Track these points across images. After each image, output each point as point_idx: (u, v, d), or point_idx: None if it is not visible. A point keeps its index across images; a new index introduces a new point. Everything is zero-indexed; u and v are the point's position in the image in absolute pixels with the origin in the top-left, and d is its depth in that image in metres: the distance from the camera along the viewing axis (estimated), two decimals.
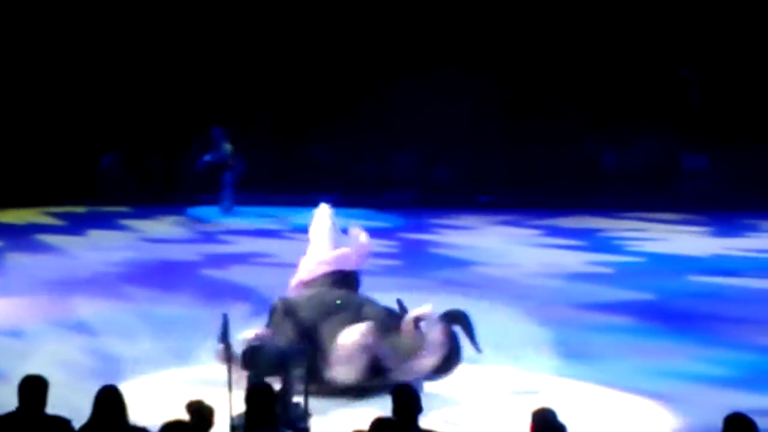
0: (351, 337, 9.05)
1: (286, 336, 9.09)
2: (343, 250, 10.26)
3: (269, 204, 22.17)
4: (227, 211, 20.84)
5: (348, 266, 10.18)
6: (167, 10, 24.65)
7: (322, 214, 10.67)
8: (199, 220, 20.68)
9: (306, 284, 10.13)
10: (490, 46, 24.45)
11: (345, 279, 9.96)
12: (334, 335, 9.12)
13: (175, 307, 12.73)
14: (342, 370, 9.06)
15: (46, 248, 16.91)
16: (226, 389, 7.89)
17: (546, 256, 16.85)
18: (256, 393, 6.51)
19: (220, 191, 21.05)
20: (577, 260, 16.41)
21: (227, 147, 20.88)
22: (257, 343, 8.27)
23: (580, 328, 11.95)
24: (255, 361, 7.87)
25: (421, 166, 24.97)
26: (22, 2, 24.12)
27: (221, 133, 21.03)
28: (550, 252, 17.36)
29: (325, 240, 10.38)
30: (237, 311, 12.19)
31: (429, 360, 9.21)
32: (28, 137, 23.91)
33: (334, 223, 10.56)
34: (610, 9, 24.24)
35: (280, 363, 7.88)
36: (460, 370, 9.68)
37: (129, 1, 24.66)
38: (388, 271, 15.26)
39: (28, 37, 24.04)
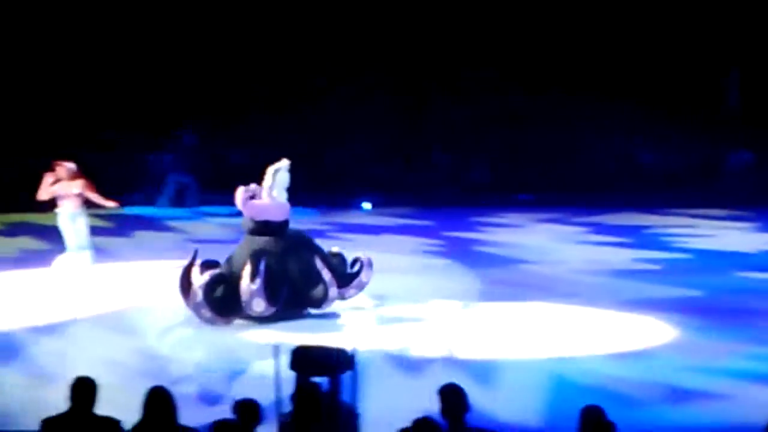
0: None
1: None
2: (264, 203, 12.35)
3: (307, 204, 22.20)
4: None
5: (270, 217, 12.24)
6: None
7: (277, 169, 12.44)
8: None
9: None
10: (530, 44, 24.38)
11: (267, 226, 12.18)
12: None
13: None
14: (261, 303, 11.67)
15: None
16: (270, 388, 7.93)
17: (592, 253, 16.77)
18: (304, 393, 6.52)
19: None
20: (623, 257, 16.32)
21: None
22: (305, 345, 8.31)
23: (627, 325, 11.88)
24: (303, 361, 7.90)
25: (457, 165, 24.96)
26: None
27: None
28: (596, 249, 17.28)
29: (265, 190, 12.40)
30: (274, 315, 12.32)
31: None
32: (79, 135, 24.05)
33: (275, 181, 12.38)
34: (650, 7, 24.12)
35: (329, 364, 7.90)
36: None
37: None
38: (437, 270, 15.26)
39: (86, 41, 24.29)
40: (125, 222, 20.32)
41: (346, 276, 12.44)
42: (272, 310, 11.77)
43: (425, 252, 16.97)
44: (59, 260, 14.30)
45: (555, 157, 23.96)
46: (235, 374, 9.89)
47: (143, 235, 19.21)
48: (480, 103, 24.65)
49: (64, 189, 14.38)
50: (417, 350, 10.69)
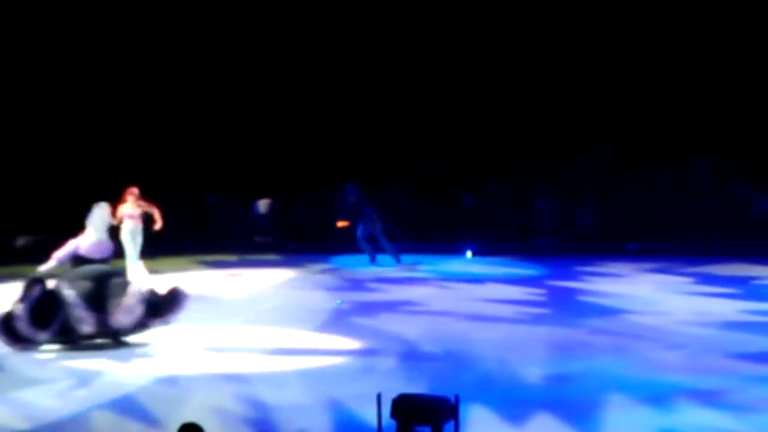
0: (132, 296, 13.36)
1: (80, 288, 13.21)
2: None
3: (416, 252, 22.29)
4: (397, 260, 21.01)
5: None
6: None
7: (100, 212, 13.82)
8: (344, 268, 20.86)
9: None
10: (643, 91, 24.31)
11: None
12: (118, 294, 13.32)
13: (324, 355, 12.86)
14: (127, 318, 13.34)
15: (197, 296, 17.28)
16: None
17: (699, 304, 16.46)
18: None
19: (362, 244, 21.19)
20: (731, 308, 15.98)
21: (355, 200, 21.00)
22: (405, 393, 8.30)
23: (736, 378, 11.62)
24: (405, 410, 7.91)
25: (563, 213, 24.82)
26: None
27: (353, 188, 21.19)
28: (703, 300, 16.95)
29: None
30: (382, 362, 12.36)
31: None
32: (183, 187, 24.67)
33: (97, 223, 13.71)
34: (756, 56, 23.88)
35: (431, 413, 7.89)
36: None
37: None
38: (537, 320, 15.17)
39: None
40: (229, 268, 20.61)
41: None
42: (40, 335, 13.07)
43: (526, 302, 16.86)
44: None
45: (665, 204, 23.69)
46: (337, 422, 9.90)
47: (246, 281, 19.38)
48: (587, 147, 24.59)
49: (128, 210, 18.23)
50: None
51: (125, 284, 13.67)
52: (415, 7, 25.54)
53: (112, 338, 13.44)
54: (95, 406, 10.58)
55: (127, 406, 10.54)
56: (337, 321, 15.00)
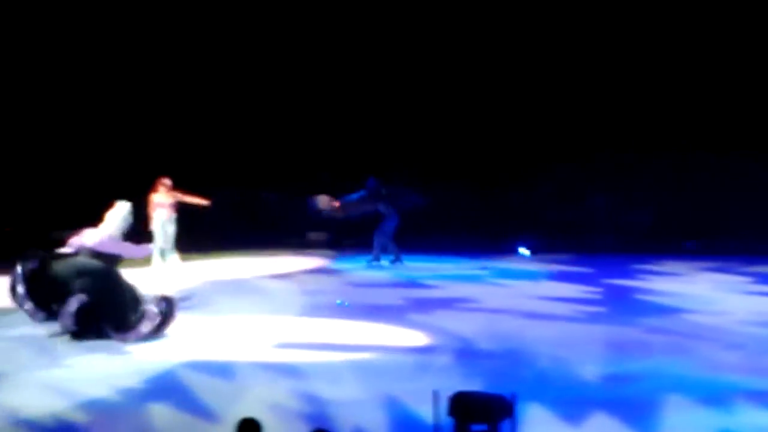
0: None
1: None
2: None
3: (468, 250, 22.24)
4: (373, 262, 20.81)
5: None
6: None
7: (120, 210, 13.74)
8: (398, 264, 20.82)
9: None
10: (701, 88, 24.12)
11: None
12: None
13: (381, 351, 12.87)
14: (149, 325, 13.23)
15: (255, 290, 17.37)
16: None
17: (758, 304, 16.28)
18: None
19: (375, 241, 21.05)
20: None
21: (380, 198, 20.91)
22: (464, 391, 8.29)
23: None
24: (462, 408, 7.89)
25: (618, 210, 24.64)
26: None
27: (376, 184, 21.11)
28: (763, 299, 16.78)
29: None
30: (438, 359, 12.35)
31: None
32: (239, 182, 24.84)
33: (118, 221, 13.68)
34: None
35: (488, 411, 7.87)
36: None
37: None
38: (593, 318, 15.08)
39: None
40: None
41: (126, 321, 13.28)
42: (38, 315, 13.33)
43: (582, 300, 16.76)
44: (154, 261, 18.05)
45: (723, 201, 23.44)
46: (393, 419, 9.89)
47: (303, 277, 19.44)
48: (642, 144, 24.39)
49: (161, 200, 18.75)
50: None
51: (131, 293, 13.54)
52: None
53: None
54: (151, 398, 10.64)
55: (182, 399, 10.60)
56: (393, 317, 14.99)
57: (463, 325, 14.29)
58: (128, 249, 13.74)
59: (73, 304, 13.06)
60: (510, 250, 22.65)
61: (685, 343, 13.25)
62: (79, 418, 10.02)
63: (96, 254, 13.41)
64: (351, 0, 25.55)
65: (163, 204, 18.77)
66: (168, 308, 13.39)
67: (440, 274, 19.60)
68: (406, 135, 25.50)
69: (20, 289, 13.35)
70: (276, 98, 25.79)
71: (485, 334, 13.66)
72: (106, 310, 13.19)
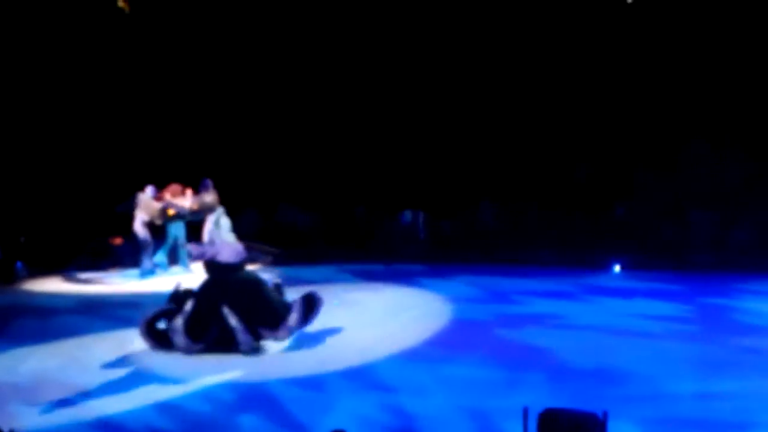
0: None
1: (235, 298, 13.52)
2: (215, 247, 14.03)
3: (563, 267, 22.07)
4: (147, 274, 21.09)
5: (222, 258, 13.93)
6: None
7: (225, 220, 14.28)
8: (486, 278, 20.75)
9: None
10: None
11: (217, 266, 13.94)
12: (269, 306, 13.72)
13: (469, 367, 12.82)
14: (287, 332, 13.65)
15: (347, 302, 17.43)
16: None
17: None
18: None
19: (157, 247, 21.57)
20: None
21: (210, 198, 21.01)
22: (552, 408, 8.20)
23: None
24: (552, 425, 7.82)
25: (719, 228, 24.22)
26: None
27: (209, 184, 21.27)
28: None
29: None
30: (528, 375, 12.25)
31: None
32: (334, 197, 25.07)
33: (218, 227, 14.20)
34: None
35: (578, 428, 7.79)
36: None
37: None
38: (687, 337, 14.83)
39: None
40: (373, 276, 20.78)
41: (279, 317, 13.67)
42: (195, 347, 13.38)
43: (676, 318, 16.51)
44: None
45: None
46: None
47: (392, 291, 19.47)
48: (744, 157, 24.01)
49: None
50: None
51: (274, 293, 13.95)
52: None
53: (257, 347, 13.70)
54: (242, 409, 10.75)
55: (271, 410, 10.68)
56: (482, 332, 14.95)
57: (553, 341, 14.19)
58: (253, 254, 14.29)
59: (234, 323, 13.38)
60: (605, 267, 22.42)
61: None
62: (170, 427, 10.15)
63: (231, 266, 13.79)
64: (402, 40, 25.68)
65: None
66: (309, 299, 13.94)
67: (530, 289, 19.47)
68: (504, 151, 25.50)
69: (178, 329, 13.46)
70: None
71: (576, 351, 13.54)
72: (260, 315, 13.58)
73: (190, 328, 13.41)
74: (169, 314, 13.71)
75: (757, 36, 24.13)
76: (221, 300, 13.49)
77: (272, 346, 13.73)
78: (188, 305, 13.52)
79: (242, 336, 13.37)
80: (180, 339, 13.40)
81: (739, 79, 24.27)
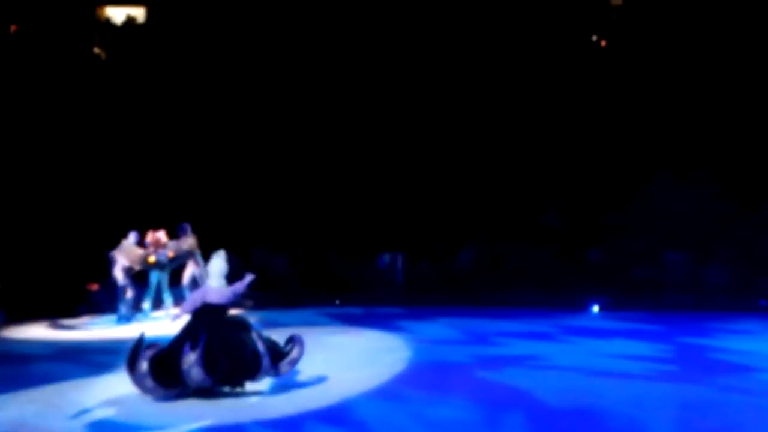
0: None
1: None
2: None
3: (540, 308, 22.10)
4: (124, 320, 21.04)
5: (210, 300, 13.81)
6: None
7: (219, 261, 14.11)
8: (464, 320, 20.73)
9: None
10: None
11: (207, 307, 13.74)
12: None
13: (449, 408, 12.77)
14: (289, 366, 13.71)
15: (325, 345, 17.35)
16: None
17: None
18: None
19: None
20: None
21: (188, 244, 21.09)
22: None
23: None
24: None
25: (693, 267, 24.34)
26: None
27: (186, 229, 21.34)
28: None
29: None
30: (508, 417, 12.23)
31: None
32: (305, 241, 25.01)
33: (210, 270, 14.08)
34: None
35: None
36: None
37: None
38: (667, 377, 14.84)
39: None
40: (353, 320, 20.70)
41: (280, 353, 13.65)
42: (209, 380, 13.11)
43: (655, 358, 16.52)
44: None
45: None
46: None
47: (371, 334, 19.43)
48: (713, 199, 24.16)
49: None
50: None
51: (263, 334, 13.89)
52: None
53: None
54: None
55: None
56: (462, 374, 14.91)
57: (534, 382, 14.16)
58: (239, 288, 13.92)
59: (262, 348, 13.38)
60: (583, 308, 22.45)
61: (762, 402, 12.98)
62: None
63: (223, 308, 13.71)
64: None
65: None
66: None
67: (508, 330, 19.47)
68: (475, 191, 25.57)
69: (194, 363, 13.17)
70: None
71: (556, 393, 13.51)
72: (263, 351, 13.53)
73: (206, 363, 13.10)
74: (165, 353, 13.42)
75: (723, 75, 24.40)
76: (233, 331, 13.46)
77: (249, 388, 13.62)
78: (201, 337, 13.23)
79: (266, 361, 13.31)
80: (198, 373, 13.03)
81: (709, 117, 24.50)
